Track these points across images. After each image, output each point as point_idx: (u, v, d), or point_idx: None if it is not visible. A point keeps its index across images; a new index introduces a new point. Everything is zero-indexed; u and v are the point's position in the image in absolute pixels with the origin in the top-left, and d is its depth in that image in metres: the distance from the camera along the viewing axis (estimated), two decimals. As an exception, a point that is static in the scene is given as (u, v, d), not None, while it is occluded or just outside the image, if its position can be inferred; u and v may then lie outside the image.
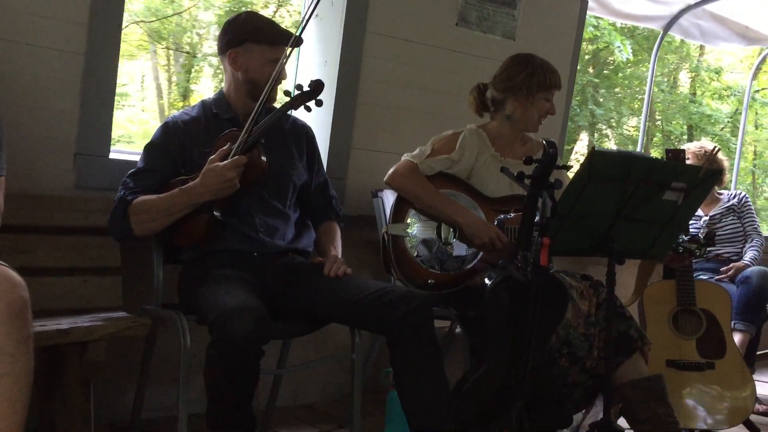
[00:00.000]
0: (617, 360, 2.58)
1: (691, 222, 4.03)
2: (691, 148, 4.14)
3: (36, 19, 2.53)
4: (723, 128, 12.78)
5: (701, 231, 3.45)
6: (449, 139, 2.88)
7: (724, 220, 4.18)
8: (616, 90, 12.29)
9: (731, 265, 4.02)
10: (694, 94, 12.69)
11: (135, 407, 2.63)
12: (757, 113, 13.31)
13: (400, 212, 2.80)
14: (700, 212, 4.12)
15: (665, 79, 13.17)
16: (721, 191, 4.32)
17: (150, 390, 2.66)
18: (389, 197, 2.92)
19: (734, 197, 4.26)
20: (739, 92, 12.40)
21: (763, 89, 13.26)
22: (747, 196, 4.31)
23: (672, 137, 12.86)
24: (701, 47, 11.50)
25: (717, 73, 12.61)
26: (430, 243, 2.78)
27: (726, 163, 4.33)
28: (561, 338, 2.55)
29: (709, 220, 4.16)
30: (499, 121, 2.92)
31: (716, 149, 4.01)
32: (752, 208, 4.26)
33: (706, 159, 3.90)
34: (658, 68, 12.79)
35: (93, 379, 2.29)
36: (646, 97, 5.52)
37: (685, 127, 12.58)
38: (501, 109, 2.91)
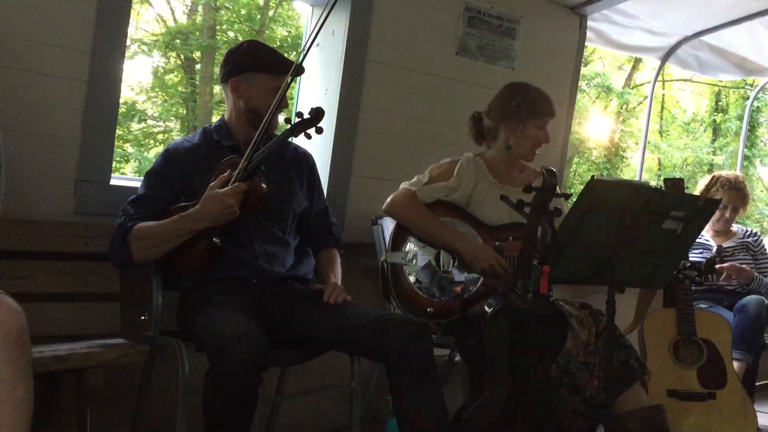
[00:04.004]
0: (617, 389, 2.56)
1: (700, 252, 4.00)
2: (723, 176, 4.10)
3: (39, 47, 2.55)
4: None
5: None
6: (447, 167, 2.88)
7: (737, 254, 4.09)
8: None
9: (730, 264, 3.92)
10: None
11: (132, 435, 2.61)
12: (662, 118, 12.82)
13: (399, 240, 2.80)
14: (712, 242, 4.06)
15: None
16: (738, 223, 4.25)
17: (147, 417, 2.64)
18: (389, 225, 2.92)
19: (749, 235, 4.15)
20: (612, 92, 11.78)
21: (674, 87, 12.71)
22: (761, 235, 4.23)
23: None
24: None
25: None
26: (430, 270, 2.77)
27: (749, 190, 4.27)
28: (561, 367, 2.54)
29: (723, 252, 4.06)
30: (496, 150, 2.93)
31: (715, 179, 4.01)
32: (766, 249, 4.18)
33: (706, 189, 3.89)
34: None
35: (90, 406, 2.27)
36: (644, 127, 5.54)
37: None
38: (495, 138, 2.92)
